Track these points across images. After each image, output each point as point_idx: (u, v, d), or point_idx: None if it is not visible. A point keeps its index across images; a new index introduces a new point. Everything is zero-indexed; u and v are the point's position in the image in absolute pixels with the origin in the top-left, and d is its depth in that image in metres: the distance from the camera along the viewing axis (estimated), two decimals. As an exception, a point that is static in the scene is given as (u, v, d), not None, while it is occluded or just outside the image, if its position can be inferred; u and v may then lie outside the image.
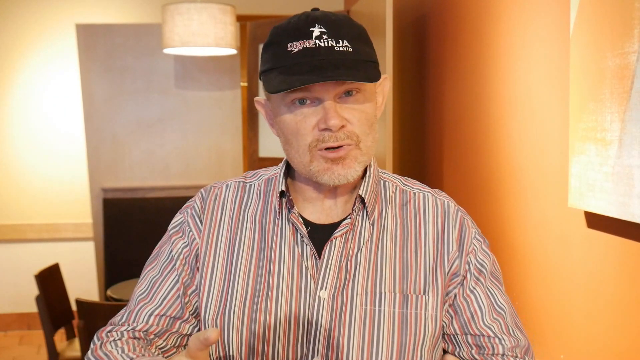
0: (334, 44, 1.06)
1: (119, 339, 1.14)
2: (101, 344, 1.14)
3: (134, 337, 1.14)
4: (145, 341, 1.15)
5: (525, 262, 2.04)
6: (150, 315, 1.16)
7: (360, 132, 1.09)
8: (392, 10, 2.90)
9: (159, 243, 1.24)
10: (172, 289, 1.17)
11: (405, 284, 1.14)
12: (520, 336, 1.17)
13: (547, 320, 1.90)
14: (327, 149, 1.08)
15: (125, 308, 1.20)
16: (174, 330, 1.17)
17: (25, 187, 5.03)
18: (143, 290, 1.19)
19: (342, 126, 1.07)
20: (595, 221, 1.64)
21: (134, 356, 1.09)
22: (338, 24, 1.08)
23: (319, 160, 1.09)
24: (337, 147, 1.08)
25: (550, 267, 1.87)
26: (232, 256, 1.17)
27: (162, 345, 1.17)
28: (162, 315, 1.16)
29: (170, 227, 1.23)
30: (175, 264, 1.18)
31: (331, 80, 1.04)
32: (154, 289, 1.18)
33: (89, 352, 1.14)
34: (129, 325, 1.16)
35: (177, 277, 1.17)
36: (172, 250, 1.19)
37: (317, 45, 1.05)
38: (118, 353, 1.10)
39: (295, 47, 1.06)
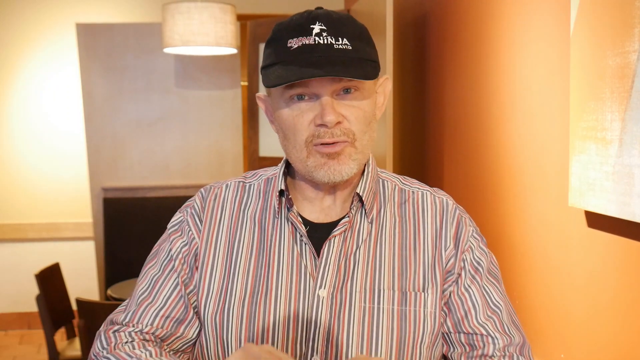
0: (333, 42, 1.06)
1: (132, 342, 1.12)
2: (115, 344, 1.12)
3: (145, 340, 1.13)
4: (155, 343, 1.14)
5: (525, 261, 2.04)
6: (155, 317, 1.15)
7: (357, 130, 1.09)
8: (392, 10, 2.90)
9: (158, 241, 1.24)
10: (175, 288, 1.17)
11: (404, 282, 1.14)
12: (515, 333, 1.16)
13: (547, 319, 1.89)
14: (323, 144, 1.08)
15: (126, 305, 1.19)
16: (178, 334, 1.16)
17: (26, 186, 5.03)
18: (145, 289, 1.18)
19: (339, 122, 1.08)
20: (596, 220, 1.64)
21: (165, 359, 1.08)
22: (339, 22, 1.08)
23: (315, 156, 1.09)
24: (333, 143, 1.08)
25: (550, 267, 1.87)
26: (232, 255, 1.17)
27: (167, 351, 1.16)
28: (167, 317, 1.15)
29: (169, 225, 1.23)
30: (174, 264, 1.18)
31: (326, 76, 1.04)
32: (156, 288, 1.17)
33: (103, 351, 1.11)
34: (134, 326, 1.15)
35: (177, 278, 1.17)
36: (171, 250, 1.19)
37: (317, 42, 1.06)
38: (145, 356, 1.08)
39: (294, 43, 1.06)
